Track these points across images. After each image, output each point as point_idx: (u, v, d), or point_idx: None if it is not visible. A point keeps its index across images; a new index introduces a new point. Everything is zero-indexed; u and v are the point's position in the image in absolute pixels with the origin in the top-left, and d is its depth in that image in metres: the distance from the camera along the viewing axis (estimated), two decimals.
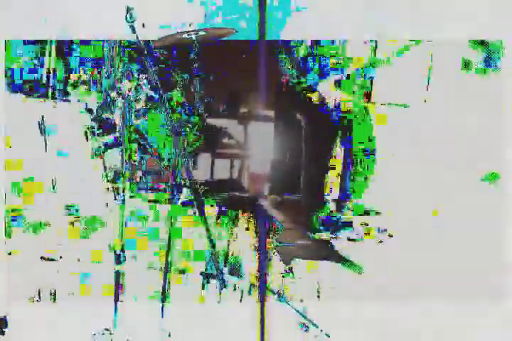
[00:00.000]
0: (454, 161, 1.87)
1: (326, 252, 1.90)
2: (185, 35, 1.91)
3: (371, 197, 1.90)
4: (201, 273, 1.92)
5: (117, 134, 1.91)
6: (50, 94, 1.92)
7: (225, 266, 1.92)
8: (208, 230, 1.91)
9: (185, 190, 1.90)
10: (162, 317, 1.90)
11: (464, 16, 1.86)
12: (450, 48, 1.87)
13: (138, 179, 1.91)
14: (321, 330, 1.91)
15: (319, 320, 1.91)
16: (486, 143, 1.87)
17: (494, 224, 1.86)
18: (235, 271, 1.91)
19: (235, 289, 1.92)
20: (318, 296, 1.91)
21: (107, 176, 1.90)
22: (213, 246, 1.91)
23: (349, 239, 1.91)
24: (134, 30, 1.91)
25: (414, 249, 1.88)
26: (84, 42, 1.93)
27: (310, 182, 1.91)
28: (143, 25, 1.92)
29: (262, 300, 1.90)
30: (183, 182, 1.91)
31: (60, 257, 1.90)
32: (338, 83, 1.90)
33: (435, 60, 1.88)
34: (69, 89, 1.92)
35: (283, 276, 1.93)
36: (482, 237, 1.86)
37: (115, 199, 1.90)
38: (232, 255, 1.91)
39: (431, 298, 1.88)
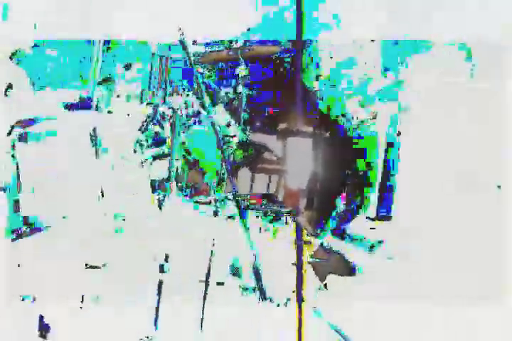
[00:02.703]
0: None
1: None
2: (230, 52, 1.97)
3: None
4: (240, 286, 1.96)
5: (165, 147, 1.96)
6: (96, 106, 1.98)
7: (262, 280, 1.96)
8: (250, 242, 1.95)
9: (229, 203, 1.95)
10: (201, 328, 1.94)
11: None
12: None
13: (181, 191, 1.97)
14: None
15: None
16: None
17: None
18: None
19: (271, 301, 1.96)
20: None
21: (153, 187, 1.96)
22: (255, 258, 1.95)
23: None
24: (184, 46, 1.97)
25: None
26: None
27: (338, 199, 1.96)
28: (194, 43, 1.98)
29: (300, 313, 1.94)
30: (227, 195, 1.96)
31: (103, 265, 1.95)
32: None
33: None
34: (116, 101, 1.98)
35: (319, 289, 1.97)
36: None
37: (160, 208, 1.95)
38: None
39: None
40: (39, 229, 1.93)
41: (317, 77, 1.95)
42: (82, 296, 1.94)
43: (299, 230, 1.95)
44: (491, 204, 1.89)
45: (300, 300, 1.94)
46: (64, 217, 1.94)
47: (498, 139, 1.89)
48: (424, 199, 1.91)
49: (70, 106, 1.96)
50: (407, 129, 1.92)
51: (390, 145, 1.94)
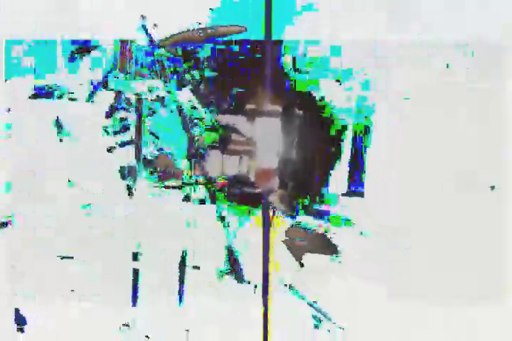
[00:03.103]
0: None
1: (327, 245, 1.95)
2: (193, 33, 1.94)
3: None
4: (217, 269, 1.96)
5: (132, 133, 1.94)
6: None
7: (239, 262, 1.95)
8: (224, 226, 1.94)
9: (199, 187, 1.94)
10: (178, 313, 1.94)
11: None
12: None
13: (151, 177, 1.95)
14: (334, 323, 1.95)
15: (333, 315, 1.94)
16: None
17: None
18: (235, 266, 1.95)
19: (249, 282, 1.96)
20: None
21: (121, 174, 1.93)
22: (229, 241, 1.95)
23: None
24: (146, 31, 1.94)
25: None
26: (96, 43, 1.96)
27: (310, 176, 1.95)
28: (154, 25, 1.95)
29: (266, 294, 1.94)
30: (196, 179, 1.94)
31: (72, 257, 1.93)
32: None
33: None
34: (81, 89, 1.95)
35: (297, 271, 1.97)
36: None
37: (129, 194, 1.93)
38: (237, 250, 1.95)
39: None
40: (5, 224, 1.91)
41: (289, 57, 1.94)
42: (58, 287, 1.92)
43: (266, 210, 1.95)
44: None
45: (266, 280, 1.94)
46: (32, 209, 1.92)
47: (498, 139, 1.89)
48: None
49: (34, 96, 1.93)
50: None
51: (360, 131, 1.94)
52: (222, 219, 1.95)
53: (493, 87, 1.88)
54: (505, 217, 1.89)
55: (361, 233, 1.93)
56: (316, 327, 1.95)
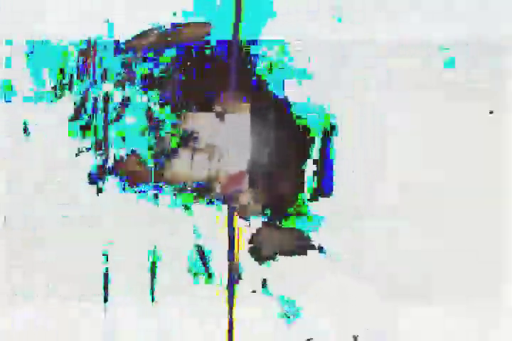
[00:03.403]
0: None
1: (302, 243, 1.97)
2: (160, 36, 1.91)
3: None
4: (186, 268, 2.00)
5: (97, 136, 1.94)
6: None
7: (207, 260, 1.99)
8: (193, 226, 1.97)
9: (168, 189, 1.95)
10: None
11: None
12: None
13: (119, 180, 1.96)
14: (304, 319, 2.00)
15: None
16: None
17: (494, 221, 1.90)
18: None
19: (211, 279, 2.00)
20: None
21: (89, 177, 1.95)
22: (199, 240, 1.98)
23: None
24: (110, 31, 1.91)
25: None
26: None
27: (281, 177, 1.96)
28: (119, 27, 1.92)
29: (232, 290, 1.98)
30: (164, 181, 1.95)
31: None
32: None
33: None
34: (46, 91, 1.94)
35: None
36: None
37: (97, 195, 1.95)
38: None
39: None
40: None
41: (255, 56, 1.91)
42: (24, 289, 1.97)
43: (231, 211, 1.97)
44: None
45: (232, 281, 1.98)
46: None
47: (498, 139, 1.88)
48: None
49: None
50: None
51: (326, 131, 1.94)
52: (191, 218, 1.98)
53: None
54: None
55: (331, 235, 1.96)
56: (286, 323, 2.00)
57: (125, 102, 1.94)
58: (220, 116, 1.93)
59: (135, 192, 1.95)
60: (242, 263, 1.97)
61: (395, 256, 1.91)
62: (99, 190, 1.95)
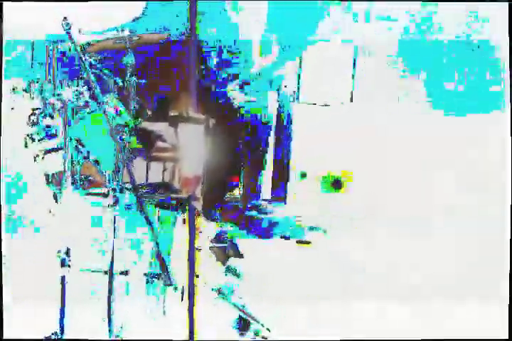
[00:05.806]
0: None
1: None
2: (118, 41, 1.94)
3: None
4: (145, 274, 1.98)
5: (57, 140, 1.94)
6: None
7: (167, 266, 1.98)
8: (152, 230, 1.96)
9: (127, 193, 1.95)
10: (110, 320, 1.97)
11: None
12: None
13: (77, 184, 1.95)
14: (263, 325, 1.98)
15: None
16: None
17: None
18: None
19: (176, 289, 1.99)
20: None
21: (48, 181, 1.94)
22: (157, 245, 1.97)
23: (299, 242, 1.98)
24: (70, 37, 1.93)
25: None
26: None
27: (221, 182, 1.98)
28: (79, 31, 1.94)
29: (192, 297, 1.97)
30: (122, 186, 1.95)
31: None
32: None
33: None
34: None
35: (225, 275, 2.00)
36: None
37: (56, 202, 1.94)
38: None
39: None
40: None
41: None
42: None
43: (191, 217, 1.97)
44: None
45: (192, 286, 1.98)
46: None
47: (498, 139, 1.90)
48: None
49: None
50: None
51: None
52: (149, 224, 1.97)
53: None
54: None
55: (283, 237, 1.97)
56: (244, 329, 1.99)
57: (85, 107, 1.95)
58: (175, 122, 1.95)
59: (91, 195, 1.95)
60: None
61: None
62: (56, 196, 1.94)
